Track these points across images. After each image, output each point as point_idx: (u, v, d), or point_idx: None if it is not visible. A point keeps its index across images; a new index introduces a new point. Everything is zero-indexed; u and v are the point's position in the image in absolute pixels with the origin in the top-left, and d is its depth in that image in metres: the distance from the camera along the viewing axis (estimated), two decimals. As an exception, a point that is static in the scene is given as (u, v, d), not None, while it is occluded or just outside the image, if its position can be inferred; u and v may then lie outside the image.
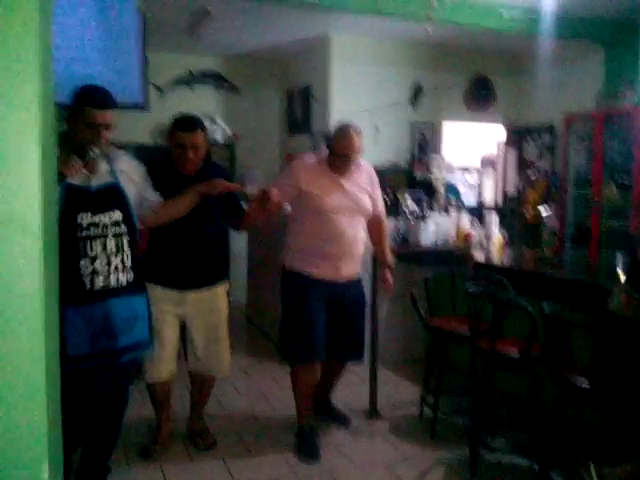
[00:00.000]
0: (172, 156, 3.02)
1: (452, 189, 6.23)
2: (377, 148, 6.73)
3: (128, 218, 2.56)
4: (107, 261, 2.47)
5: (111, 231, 2.49)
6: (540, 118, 6.96)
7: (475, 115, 7.41)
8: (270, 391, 4.08)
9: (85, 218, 2.44)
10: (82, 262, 2.41)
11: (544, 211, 6.36)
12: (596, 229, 5.57)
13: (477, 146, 8.30)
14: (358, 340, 3.44)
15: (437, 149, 7.28)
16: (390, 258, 3.53)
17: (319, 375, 3.34)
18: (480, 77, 7.25)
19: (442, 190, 4.83)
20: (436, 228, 4.52)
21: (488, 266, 3.92)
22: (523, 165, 7.26)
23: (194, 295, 3.05)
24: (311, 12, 5.44)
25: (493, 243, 4.41)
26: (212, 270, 3.13)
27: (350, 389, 4.07)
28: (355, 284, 3.38)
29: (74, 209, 2.42)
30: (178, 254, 3.00)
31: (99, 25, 3.89)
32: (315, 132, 6.92)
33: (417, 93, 6.95)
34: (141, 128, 6.63)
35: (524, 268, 3.91)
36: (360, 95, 6.62)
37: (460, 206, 4.85)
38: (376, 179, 3.42)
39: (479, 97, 7.31)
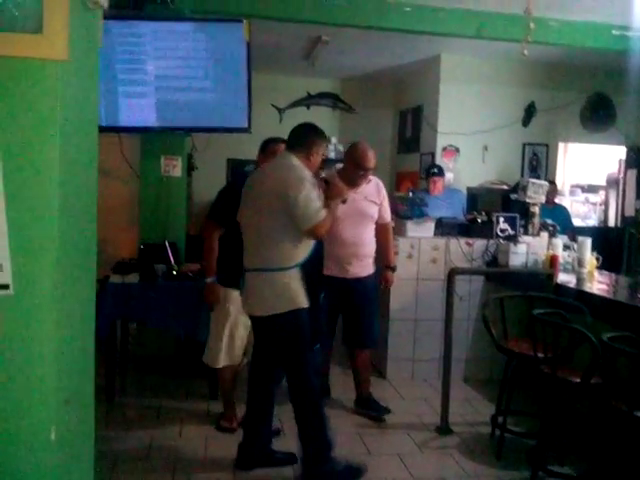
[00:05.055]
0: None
1: (560, 212, 6.10)
2: (485, 168, 6.76)
3: None
4: None
5: None
6: (664, 139, 6.61)
7: (593, 136, 7.16)
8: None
9: None
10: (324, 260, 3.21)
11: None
12: None
13: (601, 165, 8.01)
14: (365, 329, 3.97)
15: (551, 170, 7.15)
16: (392, 260, 4.10)
17: (329, 355, 4.09)
18: (599, 96, 7.02)
19: (538, 213, 4.76)
20: (527, 250, 4.51)
21: (569, 290, 3.88)
22: (643, 187, 6.91)
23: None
24: (422, 34, 5.58)
25: (585, 267, 4.32)
26: None
27: (428, 402, 4.20)
28: (363, 282, 3.89)
29: None
30: (238, 257, 3.12)
31: (210, 55, 4.36)
32: (423, 152, 7.06)
33: (530, 113, 6.88)
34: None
35: (607, 295, 3.82)
36: (469, 115, 6.69)
37: (556, 230, 4.77)
38: (385, 192, 4.01)
39: (598, 117, 7.07)
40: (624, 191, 7.30)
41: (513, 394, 3.56)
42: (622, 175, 7.33)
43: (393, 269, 4.11)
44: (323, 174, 3.24)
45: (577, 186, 8.30)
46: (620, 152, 7.40)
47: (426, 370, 4.66)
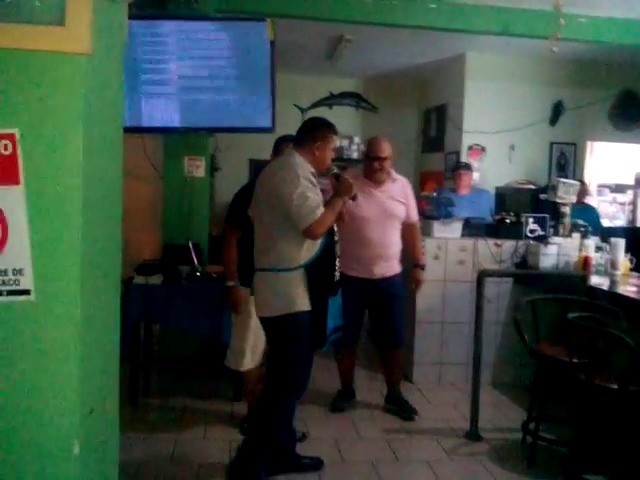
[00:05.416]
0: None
1: (589, 212, 5.95)
2: (511, 168, 6.64)
3: None
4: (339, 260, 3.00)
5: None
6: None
7: (622, 134, 6.99)
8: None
9: (335, 226, 2.96)
10: (337, 261, 2.96)
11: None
12: None
13: (628, 164, 7.82)
14: (394, 329, 3.94)
15: (579, 170, 7.00)
16: (421, 258, 4.06)
17: (354, 356, 4.09)
18: (628, 93, 6.85)
19: (569, 213, 4.64)
20: (558, 252, 4.39)
21: (604, 293, 3.75)
22: (675, 187, 6.73)
23: None
24: (447, 32, 5.47)
25: (618, 270, 4.19)
26: None
27: (456, 408, 4.10)
28: (390, 281, 3.86)
29: None
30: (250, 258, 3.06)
31: (233, 54, 4.31)
32: (447, 151, 6.96)
33: (557, 111, 6.73)
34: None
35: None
36: (495, 113, 6.57)
37: (587, 230, 4.63)
38: (411, 191, 3.98)
39: (627, 115, 6.90)
40: (655, 191, 7.12)
41: (545, 400, 3.46)
42: (652, 174, 7.16)
43: (422, 268, 4.06)
44: (335, 169, 3.05)
45: (604, 186, 8.12)
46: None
47: (453, 374, 4.57)
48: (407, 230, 3.96)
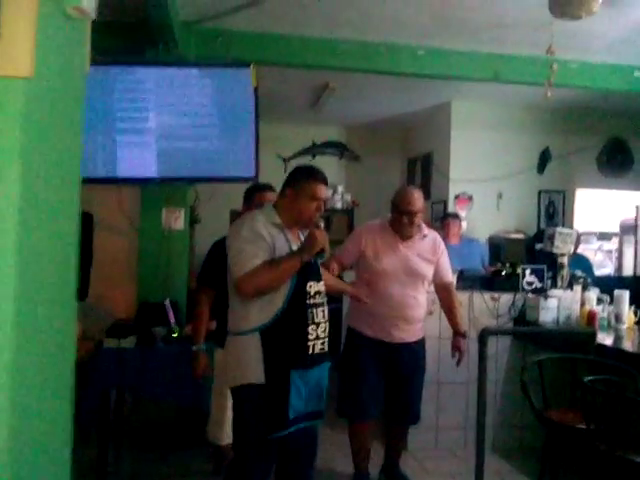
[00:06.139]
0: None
1: (581, 262, 5.77)
2: (499, 217, 6.49)
3: None
4: (323, 328, 2.56)
5: (324, 299, 2.61)
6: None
7: (611, 182, 6.90)
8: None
9: (314, 286, 2.54)
10: (310, 328, 2.49)
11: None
12: None
13: (616, 211, 7.72)
14: (411, 404, 3.52)
15: (568, 218, 6.88)
16: (462, 327, 3.58)
17: (372, 430, 3.52)
18: (617, 140, 6.79)
19: (566, 264, 4.43)
20: (558, 305, 4.15)
21: (614, 351, 3.51)
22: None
23: None
24: (433, 80, 5.37)
25: (623, 323, 3.96)
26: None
27: (455, 478, 3.76)
28: (413, 348, 3.47)
29: (305, 277, 2.50)
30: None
31: (215, 101, 4.10)
32: (434, 200, 6.80)
33: (545, 159, 6.63)
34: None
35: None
36: (482, 162, 6.47)
37: (587, 282, 4.42)
38: (443, 248, 3.56)
39: (615, 162, 6.83)
40: (644, 239, 6.99)
41: (554, 468, 3.16)
42: (640, 222, 7.04)
43: (464, 336, 3.55)
44: (321, 223, 2.58)
45: (589, 233, 8.01)
46: (635, 198, 7.12)
47: (451, 439, 4.24)
48: (442, 292, 3.61)
